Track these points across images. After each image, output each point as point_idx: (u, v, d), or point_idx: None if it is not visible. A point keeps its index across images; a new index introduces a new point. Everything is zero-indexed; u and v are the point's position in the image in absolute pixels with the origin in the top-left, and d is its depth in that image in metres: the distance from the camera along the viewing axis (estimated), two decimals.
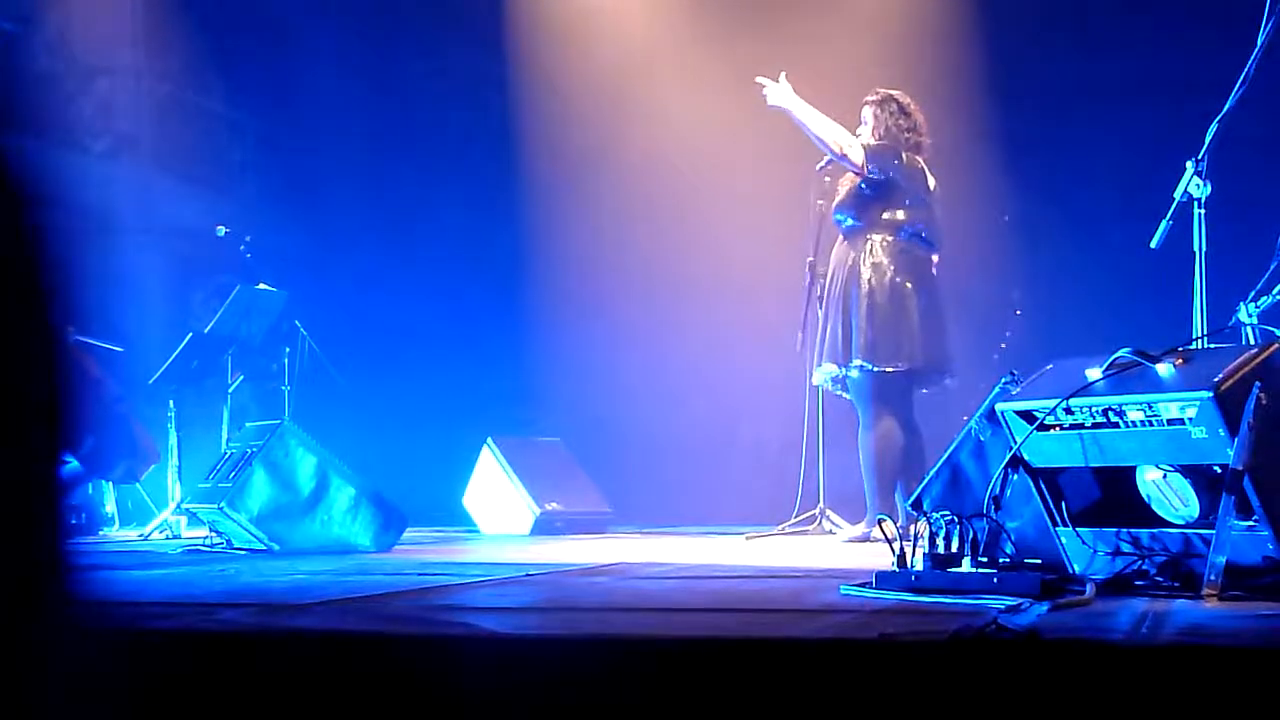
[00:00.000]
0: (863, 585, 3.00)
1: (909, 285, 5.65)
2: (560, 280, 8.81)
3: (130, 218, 8.11)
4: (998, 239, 7.76)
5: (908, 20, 8.26)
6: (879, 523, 4.28)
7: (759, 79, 5.73)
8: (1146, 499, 2.97)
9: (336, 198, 9.10)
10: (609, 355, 8.52)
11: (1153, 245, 4.21)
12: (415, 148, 9.14)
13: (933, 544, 2.98)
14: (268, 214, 8.58)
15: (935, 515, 3.01)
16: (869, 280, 5.63)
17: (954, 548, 2.95)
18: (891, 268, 5.65)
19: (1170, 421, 2.83)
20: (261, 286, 7.09)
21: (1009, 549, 3.02)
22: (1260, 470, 2.71)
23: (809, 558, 4.63)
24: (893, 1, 8.44)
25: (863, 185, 5.74)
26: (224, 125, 9.12)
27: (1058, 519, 3.09)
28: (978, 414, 3.39)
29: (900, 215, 5.72)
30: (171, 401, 6.78)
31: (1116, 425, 2.92)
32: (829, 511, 6.23)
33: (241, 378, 7.23)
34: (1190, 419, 2.78)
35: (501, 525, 7.14)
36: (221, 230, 7.25)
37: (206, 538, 5.52)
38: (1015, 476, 3.11)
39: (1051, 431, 3.02)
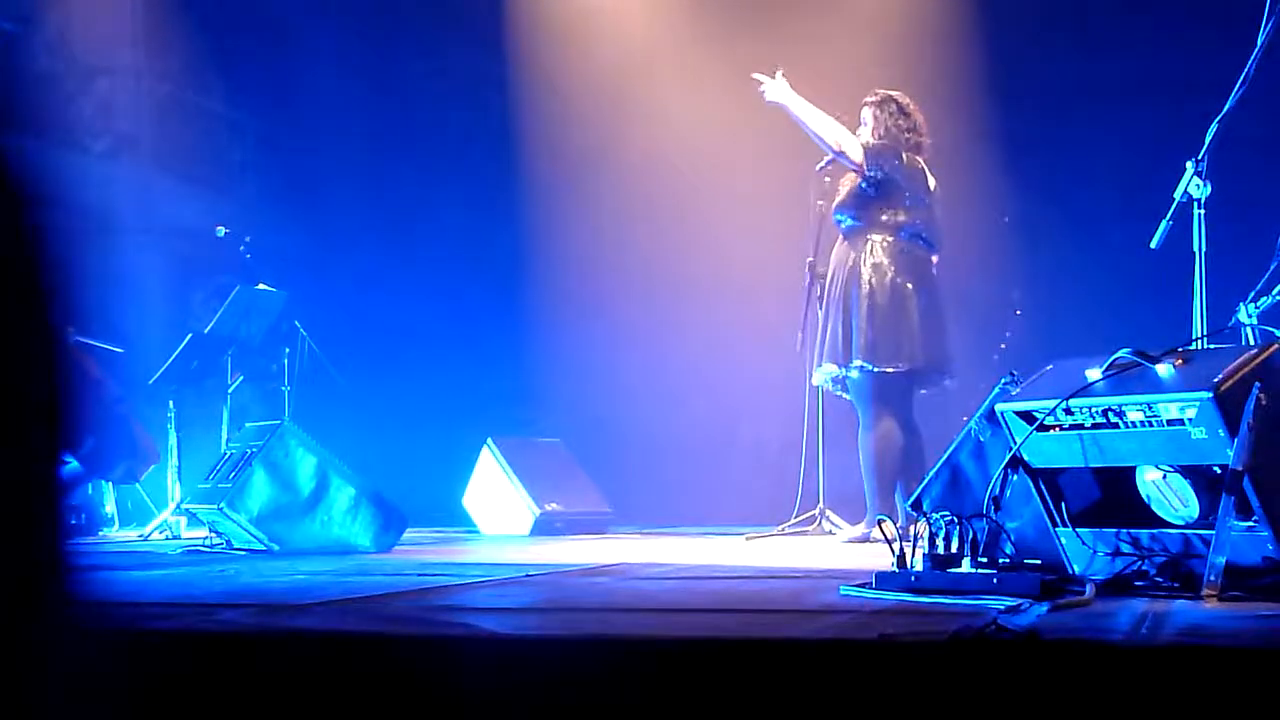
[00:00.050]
0: (863, 586, 3.00)
1: (909, 285, 5.65)
2: (560, 280, 8.81)
3: (130, 218, 8.11)
4: (998, 239, 7.76)
5: (908, 20, 8.26)
6: (879, 523, 4.28)
7: (755, 75, 5.74)
8: (1146, 499, 2.97)
9: (336, 198, 9.10)
10: (609, 355, 8.52)
11: (1153, 245, 4.21)
12: (415, 148, 9.14)
13: (932, 544, 2.98)
14: (268, 214, 8.58)
15: (935, 516, 3.01)
16: (869, 280, 5.63)
17: (954, 548, 2.95)
18: (892, 268, 5.65)
19: (1170, 422, 2.83)
20: (261, 287, 7.09)
21: (1009, 549, 3.02)
22: (1260, 470, 2.71)
23: (809, 558, 4.63)
24: (893, 1, 8.44)
25: (864, 185, 5.73)
26: (224, 125, 9.12)
27: (1057, 519, 3.09)
28: (978, 414, 3.39)
29: (900, 216, 5.72)
30: (171, 402, 6.78)
31: (1116, 426, 2.92)
32: (829, 512, 6.22)
33: (241, 378, 7.23)
34: (1190, 419, 2.78)
35: (501, 526, 7.14)
36: (221, 230, 7.25)
37: (206, 538, 5.52)
38: (1015, 477, 3.11)
39: (1051, 432, 3.02)
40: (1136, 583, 2.95)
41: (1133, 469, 2.98)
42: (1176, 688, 1.84)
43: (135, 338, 6.93)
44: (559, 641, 2.31)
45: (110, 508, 7.09)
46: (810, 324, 6.12)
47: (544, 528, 6.94)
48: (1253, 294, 4.58)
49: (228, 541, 5.33)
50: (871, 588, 2.97)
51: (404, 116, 9.20)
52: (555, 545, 5.77)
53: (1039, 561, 3.04)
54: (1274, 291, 4.56)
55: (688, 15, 8.75)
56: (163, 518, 6.47)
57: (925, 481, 3.54)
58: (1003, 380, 3.28)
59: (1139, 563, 2.98)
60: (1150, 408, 2.85)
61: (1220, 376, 2.76)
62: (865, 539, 5.47)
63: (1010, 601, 2.64)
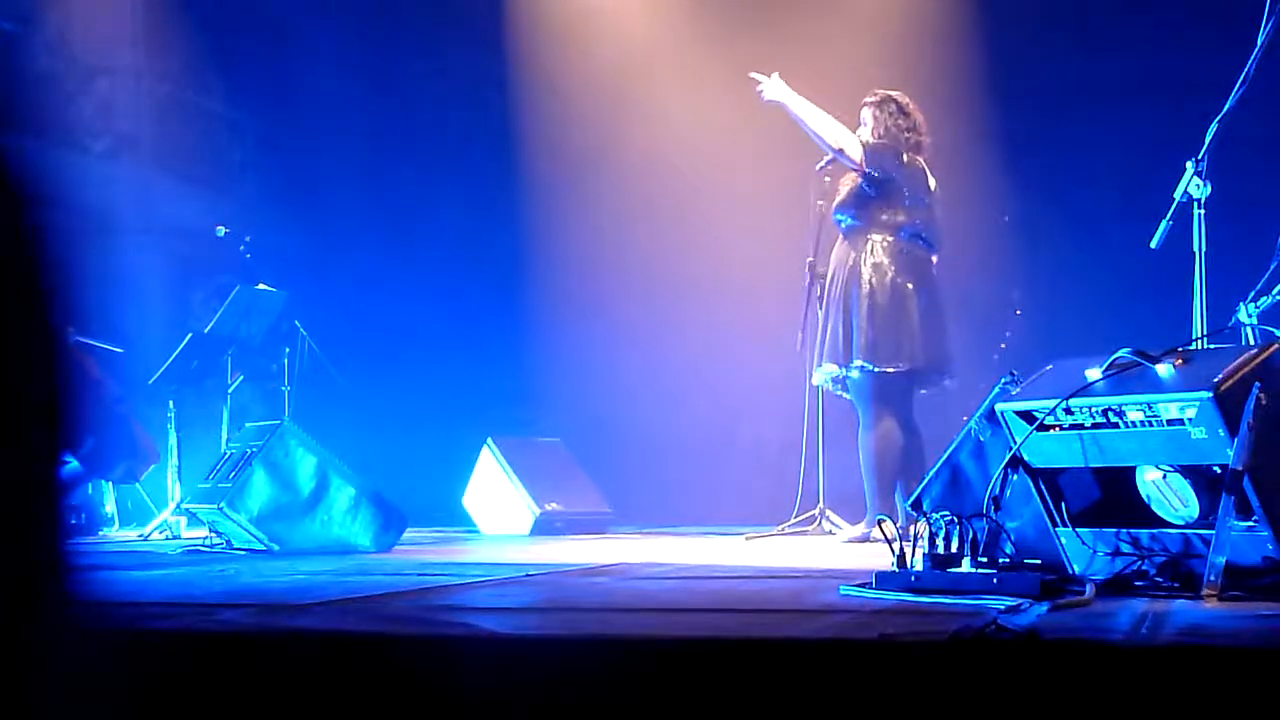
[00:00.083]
0: (863, 585, 3.00)
1: (909, 285, 5.65)
2: (560, 280, 8.81)
3: (130, 218, 8.11)
4: (998, 239, 7.77)
5: (908, 20, 8.26)
6: (879, 523, 4.28)
7: (753, 74, 5.74)
8: (1146, 499, 2.97)
9: (336, 198, 9.10)
10: (609, 355, 8.52)
11: (1153, 245, 4.22)
12: (415, 148, 9.14)
13: (932, 544, 2.98)
14: (268, 214, 8.58)
15: (935, 515, 3.01)
16: (869, 280, 5.63)
17: (954, 548, 2.95)
18: (892, 268, 5.65)
19: (1170, 422, 2.83)
20: (261, 286, 7.09)
21: (1009, 549, 3.02)
22: (1260, 470, 2.71)
23: (809, 558, 4.63)
24: (893, 1, 8.44)
25: (864, 185, 5.73)
26: (224, 125, 9.12)
27: (1057, 519, 3.09)
28: (978, 414, 3.39)
29: (901, 215, 5.72)
30: (171, 402, 6.78)
31: (1116, 425, 2.92)
32: (829, 512, 6.22)
33: (241, 378, 7.22)
34: (1190, 419, 2.78)
35: (501, 525, 7.14)
36: (221, 230, 7.25)
37: (206, 538, 5.52)
38: (1015, 477, 3.11)
39: (1051, 432, 3.02)
40: (1136, 583, 2.95)
41: (1133, 469, 2.98)
42: (1176, 688, 1.84)
43: (135, 338, 6.93)
44: (559, 641, 2.31)
45: (110, 508, 7.09)
46: (810, 324, 6.12)
47: (544, 528, 6.94)
48: (1253, 294, 4.57)
49: (228, 541, 5.33)
50: (871, 588, 2.97)
51: (404, 116, 9.20)
52: (555, 545, 5.77)
53: (1039, 561, 3.04)
54: (1274, 291, 4.56)
55: (688, 15, 8.75)
56: (163, 518, 6.47)
57: (925, 481, 3.54)
58: (1003, 380, 3.28)
59: (1139, 563, 2.98)
60: (1150, 407, 2.85)
61: (1220, 376, 2.76)
62: (865, 539, 5.47)
63: (1010, 601, 2.64)
